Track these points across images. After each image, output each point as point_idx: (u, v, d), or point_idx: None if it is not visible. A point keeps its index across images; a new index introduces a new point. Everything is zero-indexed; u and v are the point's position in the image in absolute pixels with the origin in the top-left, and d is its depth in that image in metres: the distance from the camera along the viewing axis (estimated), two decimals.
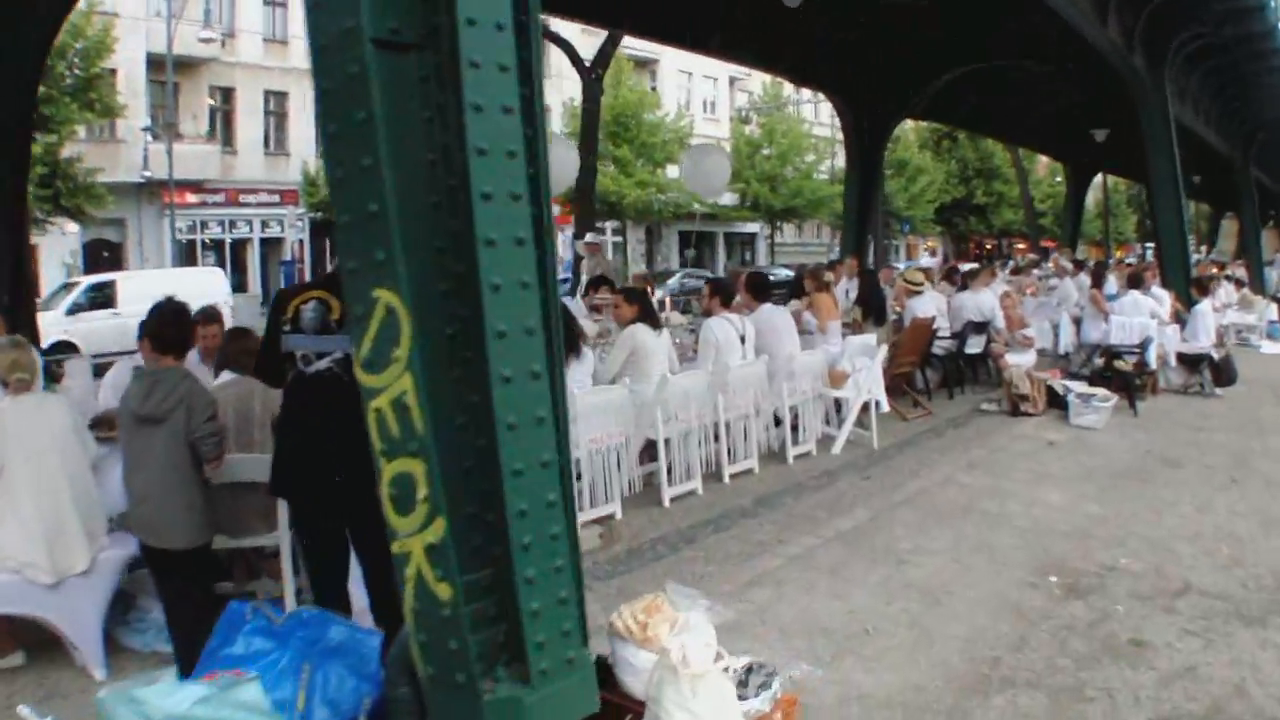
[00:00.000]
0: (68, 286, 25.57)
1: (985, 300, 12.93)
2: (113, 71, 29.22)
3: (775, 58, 16.65)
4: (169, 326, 4.59)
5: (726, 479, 8.53)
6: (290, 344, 4.18)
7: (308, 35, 3.21)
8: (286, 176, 36.13)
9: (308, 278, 38.00)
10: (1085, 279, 16.15)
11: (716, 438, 8.53)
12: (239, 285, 36.55)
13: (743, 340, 8.80)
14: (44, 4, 9.72)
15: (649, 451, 8.01)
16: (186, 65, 34.03)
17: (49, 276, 30.09)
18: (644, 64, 46.15)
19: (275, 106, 37.87)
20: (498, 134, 3.05)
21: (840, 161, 54.68)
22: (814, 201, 42.92)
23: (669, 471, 7.96)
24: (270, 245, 37.79)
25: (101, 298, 24.21)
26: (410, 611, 3.09)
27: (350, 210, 3.07)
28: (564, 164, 13.53)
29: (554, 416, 3.21)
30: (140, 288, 22.63)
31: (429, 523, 3.03)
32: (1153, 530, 7.21)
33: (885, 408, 10.51)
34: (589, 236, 15.66)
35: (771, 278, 13.84)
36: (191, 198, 35.05)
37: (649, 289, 10.93)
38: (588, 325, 9.19)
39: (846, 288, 13.87)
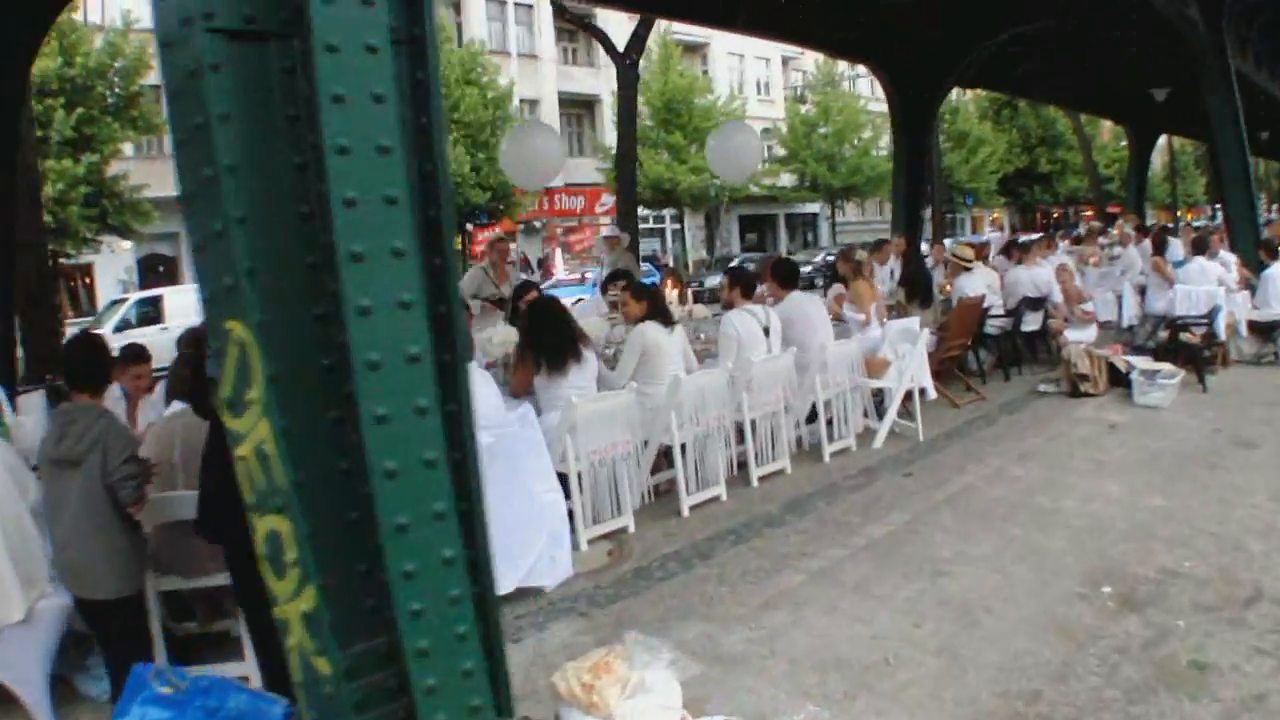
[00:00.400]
0: (117, 303, 25.70)
1: (1041, 275, 12.19)
2: (155, 87, 29.26)
3: (806, 31, 15.95)
4: (80, 361, 4.18)
5: (754, 482, 7.97)
6: (211, 370, 3.73)
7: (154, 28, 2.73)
8: None
9: None
10: (1149, 246, 15.25)
11: (741, 439, 7.97)
12: None
13: (767, 333, 8.21)
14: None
15: (669, 457, 7.46)
16: None
17: (105, 293, 30.39)
18: (694, 48, 45.54)
19: None
20: (365, 128, 2.57)
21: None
22: (873, 179, 41.92)
23: (688, 479, 7.40)
24: None
25: (151, 313, 24.24)
26: (296, 685, 2.70)
27: (198, 230, 2.62)
28: (546, 155, 12.61)
29: (454, 458, 2.72)
30: (188, 302, 22.69)
31: (301, 589, 2.61)
32: (1222, 525, 6.51)
33: (933, 395, 9.89)
34: (606, 229, 15.06)
35: (808, 265, 13.08)
36: None
37: (671, 282, 10.34)
38: (595, 324, 8.64)
39: (893, 268, 13.20)
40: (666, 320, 7.74)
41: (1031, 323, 12.20)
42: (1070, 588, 5.61)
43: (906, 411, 9.68)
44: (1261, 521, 6.53)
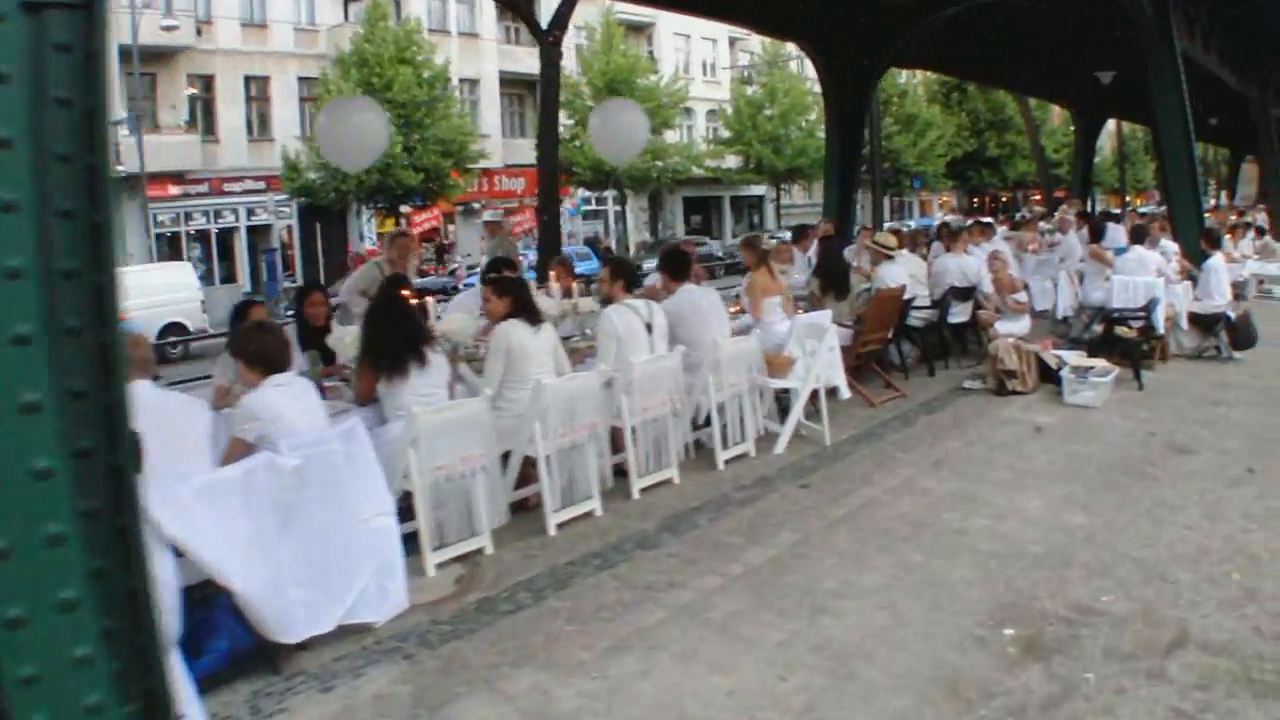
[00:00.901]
0: None
1: (969, 263, 11.43)
2: None
3: (732, 5, 15.10)
4: None
5: (636, 494, 7.11)
6: None
7: None
8: (272, 163, 35.10)
9: (298, 265, 37.07)
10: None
11: (620, 448, 7.11)
12: (228, 276, 35.73)
13: (650, 329, 7.34)
14: None
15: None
16: (162, 55, 33.29)
17: None
18: (639, 29, 44.61)
19: (257, 92, 37.07)
20: None
21: None
22: (819, 161, 40.96)
23: (555, 493, 6.53)
24: (258, 233, 36.87)
25: None
26: None
27: None
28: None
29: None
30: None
31: None
32: (1147, 549, 5.75)
33: (846, 394, 9.07)
34: (488, 214, 14.04)
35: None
36: (174, 189, 34.45)
37: (558, 273, 9.45)
38: (459, 322, 7.71)
39: (810, 256, 12.38)
40: (533, 318, 6.84)
41: (959, 314, 11.45)
42: (968, 628, 4.80)
43: (817, 412, 8.90)
44: (1192, 544, 5.77)
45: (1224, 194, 41.63)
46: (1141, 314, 10.57)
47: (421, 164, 31.85)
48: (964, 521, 6.30)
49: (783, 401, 8.54)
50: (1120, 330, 10.30)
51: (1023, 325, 11.21)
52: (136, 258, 32.33)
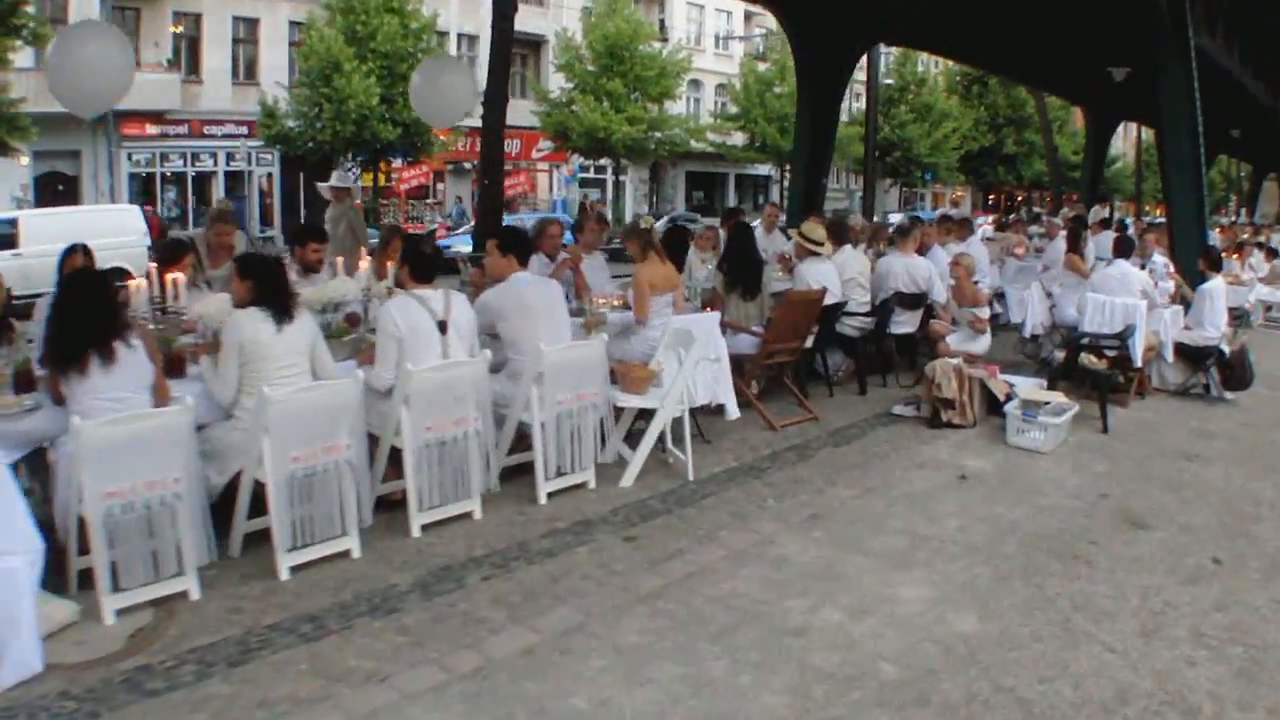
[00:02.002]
0: None
1: (918, 265, 9.75)
2: None
3: None
4: None
5: (416, 532, 5.51)
6: None
7: None
8: (255, 107, 33.45)
9: (276, 214, 35.61)
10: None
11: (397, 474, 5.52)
12: (202, 222, 34.32)
13: (443, 328, 5.70)
14: None
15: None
16: None
17: None
18: None
19: (245, 34, 35.38)
20: None
21: (861, 103, 51.18)
22: None
23: (283, 530, 4.94)
24: (236, 179, 35.34)
25: (3, 238, 21.44)
26: None
27: None
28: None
29: None
30: (46, 227, 20.10)
31: None
32: (1047, 683, 4.12)
33: (735, 413, 7.44)
34: (334, 178, 12.26)
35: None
36: (151, 129, 32.95)
37: (390, 248, 7.80)
38: (214, 303, 5.99)
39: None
40: (281, 309, 5.22)
41: (905, 324, 9.78)
42: None
43: (699, 434, 7.29)
44: (1111, 682, 4.13)
45: (1245, 212, 39.56)
46: (1116, 341, 8.88)
47: (400, 118, 30.11)
48: (809, 614, 4.67)
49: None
50: (1086, 360, 8.59)
51: (981, 344, 9.52)
52: (108, 196, 30.98)
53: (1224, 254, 18.22)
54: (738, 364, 8.09)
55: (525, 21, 40.33)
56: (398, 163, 35.86)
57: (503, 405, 6.15)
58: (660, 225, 23.63)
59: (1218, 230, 23.68)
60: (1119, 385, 9.31)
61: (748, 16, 47.43)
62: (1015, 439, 7.69)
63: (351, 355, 5.99)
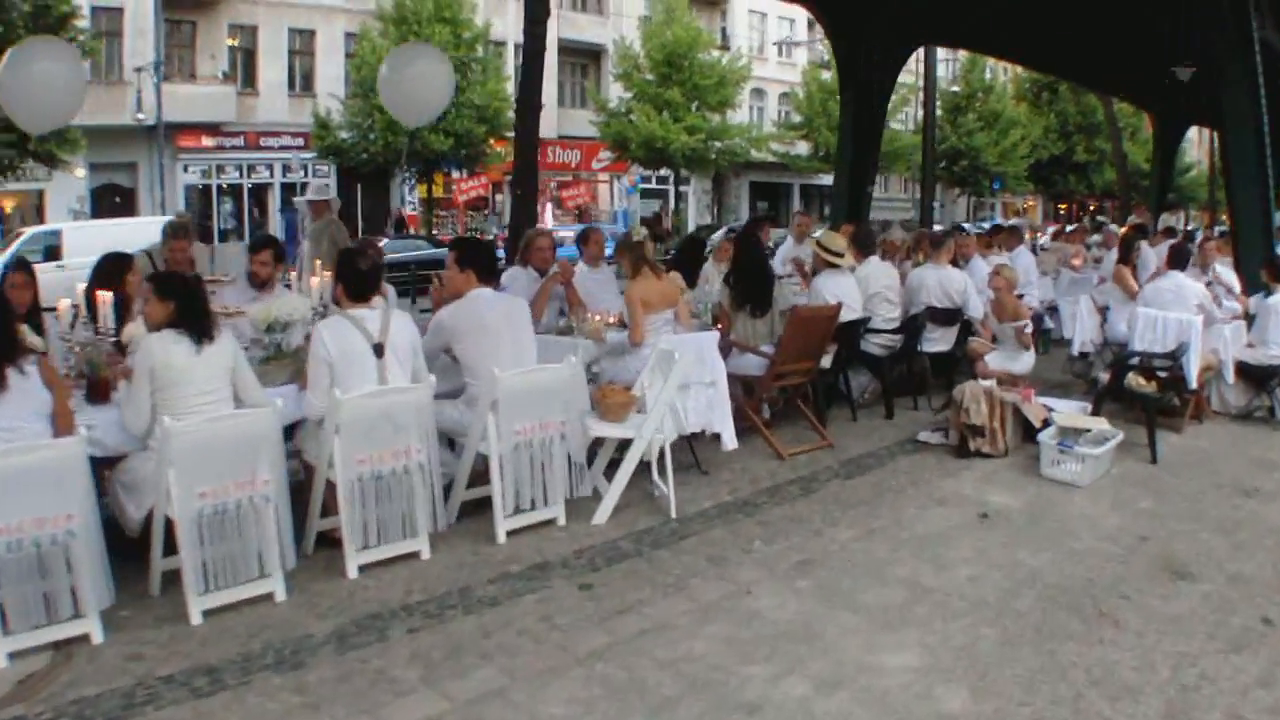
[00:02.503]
0: (12, 236, 23.01)
1: (952, 277, 9.02)
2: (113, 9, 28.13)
3: None
4: None
5: (352, 573, 4.95)
6: None
7: None
8: (311, 119, 33.54)
9: None
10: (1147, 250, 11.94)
11: (328, 511, 4.98)
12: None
13: (379, 351, 5.14)
14: None
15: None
16: (202, 3, 32.12)
17: (55, 222, 27.97)
18: (713, 3, 42.15)
19: (301, 45, 35.51)
20: None
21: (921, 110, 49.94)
22: (889, 153, 38.24)
23: (196, 572, 4.44)
24: (293, 190, 35.41)
25: (49, 250, 21.56)
26: None
27: None
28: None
29: None
30: (88, 239, 19.99)
31: None
32: None
33: (732, 444, 6.79)
34: (311, 190, 11.67)
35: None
36: (208, 140, 33.28)
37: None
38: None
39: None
40: (199, 330, 4.70)
41: (938, 341, 9.05)
42: None
43: (696, 464, 6.68)
44: None
45: None
46: (1168, 361, 8.07)
47: (453, 129, 29.84)
48: (770, 686, 4.01)
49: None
50: (1133, 381, 7.78)
51: (1023, 362, 8.76)
52: (169, 207, 31.19)
53: None
54: (748, 387, 7.45)
55: (585, 31, 40.28)
56: (459, 174, 35.68)
57: (461, 434, 5.58)
58: (717, 237, 23.00)
59: None
60: (1172, 409, 8.51)
61: (810, 24, 46.60)
62: (1050, 471, 6.94)
63: (293, 379, 5.46)
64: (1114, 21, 15.48)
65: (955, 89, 44.83)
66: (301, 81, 35.39)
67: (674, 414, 6.26)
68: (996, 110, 42.45)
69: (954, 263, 9.65)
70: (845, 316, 7.97)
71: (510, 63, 37.74)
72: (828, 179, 44.19)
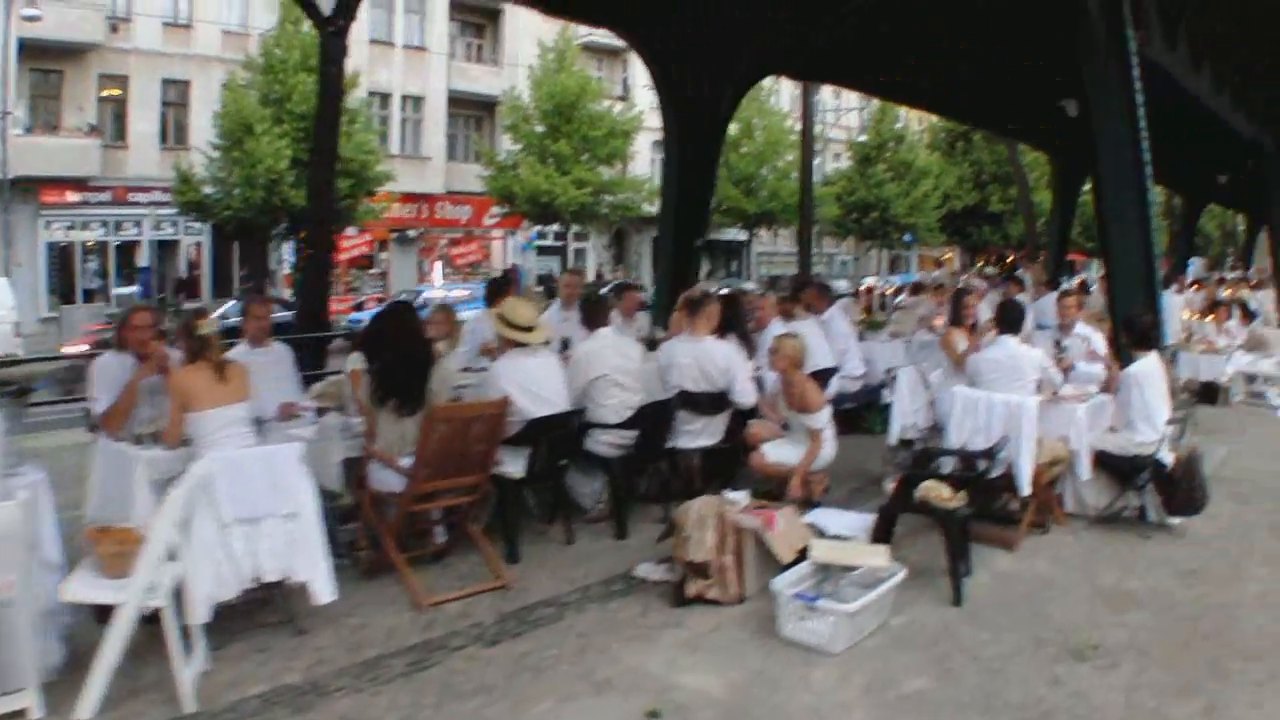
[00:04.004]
0: None
1: (712, 354, 6.92)
2: None
3: None
4: None
5: None
6: None
7: None
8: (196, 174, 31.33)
9: (205, 287, 33.28)
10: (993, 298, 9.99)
11: None
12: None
13: None
14: None
15: None
16: (70, 52, 29.84)
17: None
18: (614, 53, 40.41)
19: (175, 97, 33.23)
20: None
21: (831, 160, 48.59)
22: (791, 206, 36.65)
23: None
24: (165, 248, 33.19)
25: None
26: None
27: None
28: None
29: None
30: None
31: None
32: None
33: (323, 597, 4.66)
34: None
35: None
36: (72, 196, 30.93)
37: None
38: None
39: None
40: None
41: (700, 434, 6.93)
42: None
43: (292, 619, 4.51)
44: None
45: (1243, 267, 36.53)
46: (984, 458, 6.03)
47: None
48: None
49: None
50: (931, 495, 5.65)
51: (819, 456, 6.70)
52: (27, 265, 29.25)
53: (1198, 315, 15.39)
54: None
55: (478, 81, 38.38)
56: (351, 231, 33.69)
57: None
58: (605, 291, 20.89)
59: (1194, 287, 20.73)
60: (1007, 516, 6.49)
61: None
62: (791, 631, 4.84)
63: None
64: (980, 51, 13.66)
65: (863, 139, 43.48)
66: (175, 134, 33.12)
67: (232, 559, 4.15)
68: (907, 160, 41.01)
69: (745, 334, 7.62)
70: (538, 411, 5.90)
71: (395, 115, 35.93)
72: (734, 234, 42.61)
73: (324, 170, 14.16)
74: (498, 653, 4.72)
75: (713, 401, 6.86)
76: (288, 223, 29.20)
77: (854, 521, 5.85)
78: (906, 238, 42.89)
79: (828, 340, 9.03)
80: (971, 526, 5.84)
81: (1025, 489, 6.24)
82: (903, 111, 41.69)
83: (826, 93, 48.66)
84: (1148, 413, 6.83)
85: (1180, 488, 6.74)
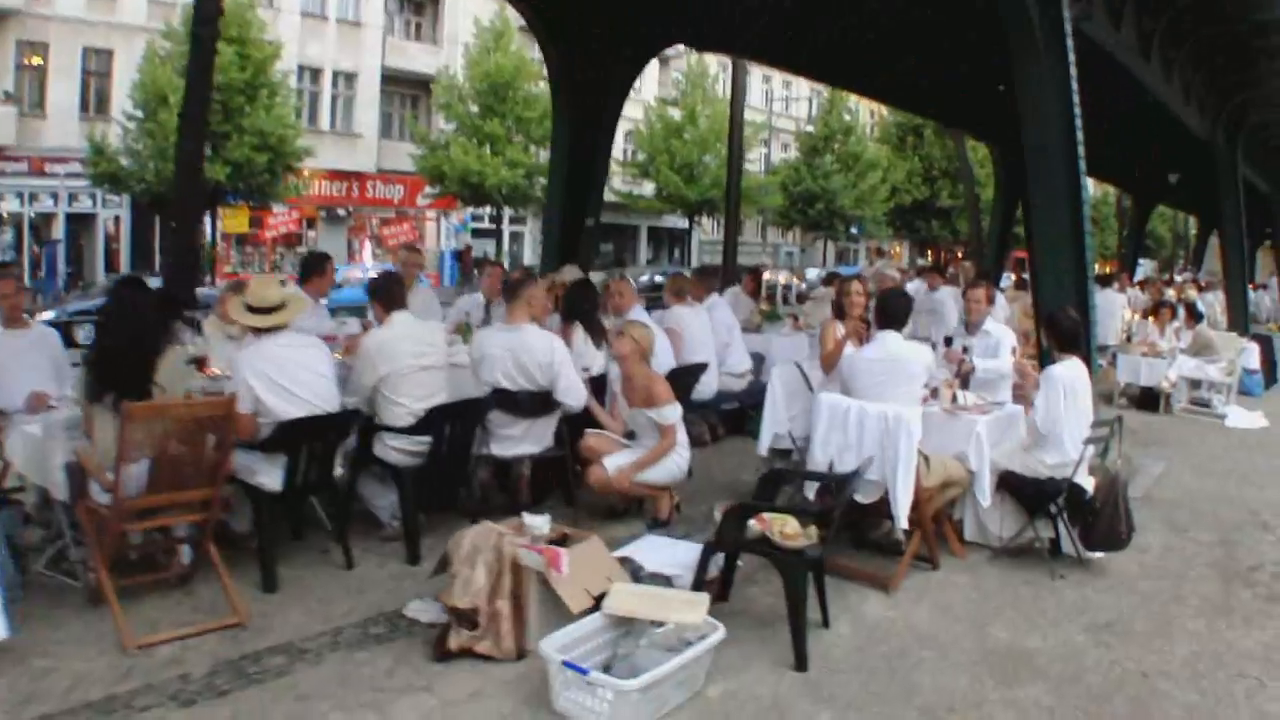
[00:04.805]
0: None
1: (533, 346, 5.69)
2: None
3: None
4: None
5: None
6: None
7: None
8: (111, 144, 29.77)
9: (124, 261, 31.83)
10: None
11: None
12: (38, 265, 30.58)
13: None
14: None
15: None
16: None
17: None
18: None
19: (98, 66, 31.56)
20: None
21: (779, 150, 47.60)
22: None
23: None
24: (82, 221, 31.60)
25: None
26: None
27: None
28: None
29: None
30: None
31: None
32: None
33: None
34: None
35: None
36: None
37: None
38: None
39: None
40: None
41: (521, 441, 5.74)
42: None
43: None
44: None
45: (1193, 270, 35.80)
46: (838, 484, 4.89)
47: (231, 157, 26.35)
48: None
49: None
50: (770, 526, 4.47)
51: (664, 469, 5.56)
52: None
53: (1140, 315, 14.44)
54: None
55: (415, 60, 36.94)
56: (280, 208, 32.32)
57: None
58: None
59: (1137, 286, 19.87)
60: (892, 546, 5.39)
61: (663, 61, 43.97)
62: (564, 704, 3.68)
63: None
64: (909, 28, 12.51)
65: (810, 129, 42.53)
66: (97, 104, 31.58)
67: None
68: (856, 152, 40.03)
69: (595, 324, 6.44)
70: (290, 410, 4.71)
71: (327, 90, 34.52)
72: (679, 220, 41.55)
73: (192, 141, 12.81)
74: (188, 718, 3.54)
75: (534, 401, 5.66)
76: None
77: (685, 555, 4.68)
78: (853, 230, 41.97)
79: (711, 333, 7.93)
80: (841, 563, 4.73)
81: (902, 521, 5.10)
82: (853, 103, 40.80)
83: (777, 82, 47.82)
84: (1065, 428, 5.70)
85: (1101, 517, 5.64)
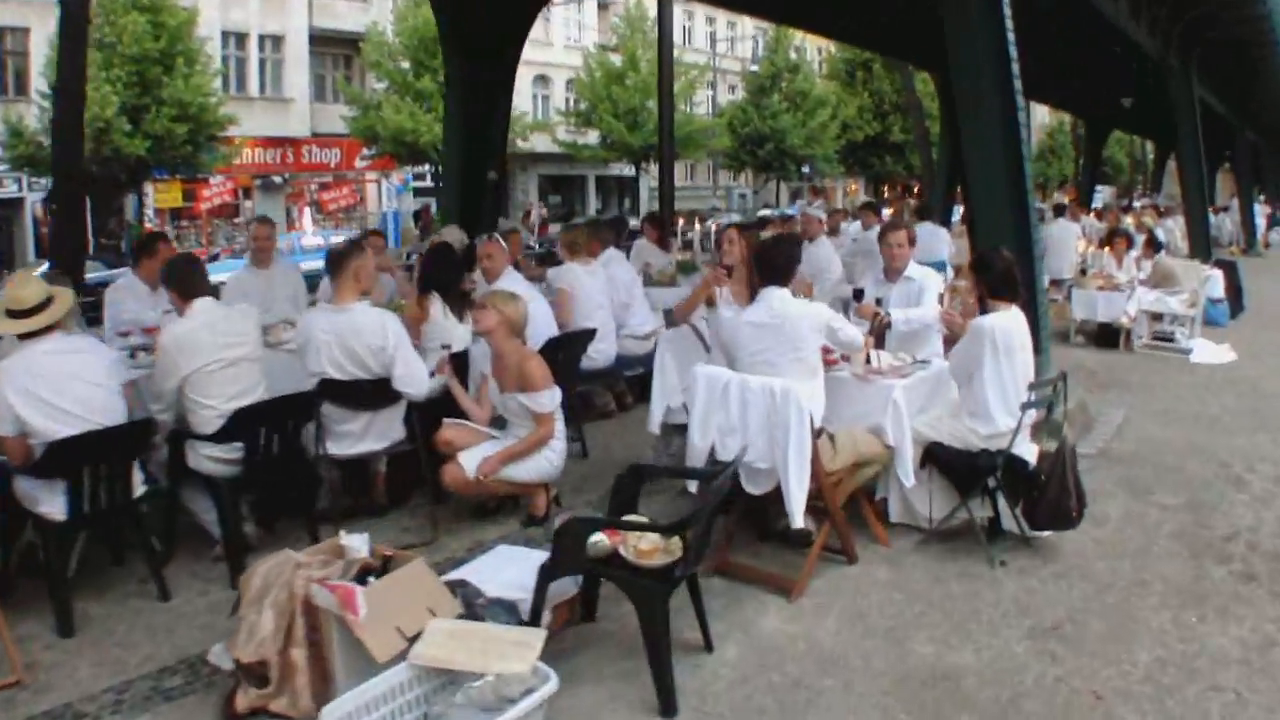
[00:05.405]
0: None
1: (361, 326, 4.86)
2: None
3: None
4: None
5: None
6: None
7: None
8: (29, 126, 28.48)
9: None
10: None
11: None
12: None
13: None
14: None
15: None
16: None
17: None
18: None
19: (14, 45, 30.18)
20: None
21: (726, 92, 46.63)
22: (680, 139, 34.50)
23: None
24: (8, 207, 30.38)
25: None
26: None
27: None
28: None
29: None
30: None
31: None
32: None
33: None
34: None
35: None
36: None
37: None
38: None
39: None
40: None
41: (361, 438, 4.97)
42: None
43: None
44: None
45: (1152, 196, 35.20)
46: (725, 470, 4.13)
47: (151, 130, 25.27)
48: None
49: None
50: (623, 542, 3.70)
51: (537, 465, 4.81)
52: None
53: (1095, 245, 13.76)
54: None
55: (344, 19, 35.63)
56: (216, 180, 31.23)
57: None
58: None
59: (1092, 214, 19.17)
60: (800, 538, 4.66)
61: (603, 6, 42.73)
62: None
63: None
64: None
65: (755, 69, 41.57)
66: (15, 85, 30.25)
67: None
68: (804, 90, 39.08)
69: (459, 295, 5.63)
70: (59, 428, 3.94)
71: (253, 55, 33.27)
72: (622, 169, 40.64)
73: (69, 114, 11.88)
74: None
75: (371, 391, 4.87)
76: (124, 174, 26.74)
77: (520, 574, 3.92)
78: (805, 169, 41.10)
79: (608, 291, 7.17)
80: (738, 563, 4.00)
81: (798, 520, 4.35)
82: (800, 40, 39.88)
83: (721, 23, 46.78)
84: (997, 392, 4.95)
85: (1047, 492, 4.90)
